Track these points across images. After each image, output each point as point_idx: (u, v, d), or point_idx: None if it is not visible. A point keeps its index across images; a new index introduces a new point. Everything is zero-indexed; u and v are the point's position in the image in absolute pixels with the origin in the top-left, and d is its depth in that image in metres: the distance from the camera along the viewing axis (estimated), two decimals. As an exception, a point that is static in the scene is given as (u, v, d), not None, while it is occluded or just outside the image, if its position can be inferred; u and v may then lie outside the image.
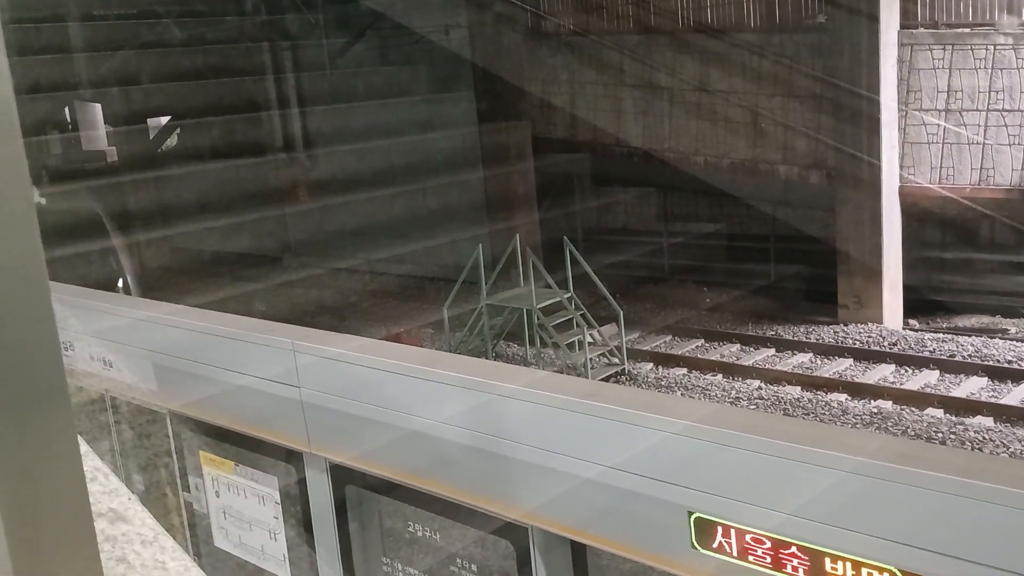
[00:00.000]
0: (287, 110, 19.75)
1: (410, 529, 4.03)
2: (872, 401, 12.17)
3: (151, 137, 20.39)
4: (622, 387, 3.38)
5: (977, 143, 15.36)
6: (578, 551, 3.25)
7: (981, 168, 15.44)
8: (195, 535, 4.78)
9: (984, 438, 10.63)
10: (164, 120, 20.38)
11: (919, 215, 15.81)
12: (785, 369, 13.55)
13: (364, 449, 3.74)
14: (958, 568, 2.25)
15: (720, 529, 2.68)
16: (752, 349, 14.55)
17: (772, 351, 14.40)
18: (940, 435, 10.80)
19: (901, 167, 15.35)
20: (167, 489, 4.84)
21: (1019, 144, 15.17)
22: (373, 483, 3.78)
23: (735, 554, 2.65)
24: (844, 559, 2.45)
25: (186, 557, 1.32)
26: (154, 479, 4.96)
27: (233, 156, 18.42)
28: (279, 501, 4.37)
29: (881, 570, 2.39)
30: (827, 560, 2.49)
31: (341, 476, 3.91)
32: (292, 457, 4.10)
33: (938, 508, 2.27)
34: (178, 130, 20.78)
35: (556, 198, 19.19)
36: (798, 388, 12.90)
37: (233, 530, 4.57)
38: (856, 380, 12.87)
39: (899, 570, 2.35)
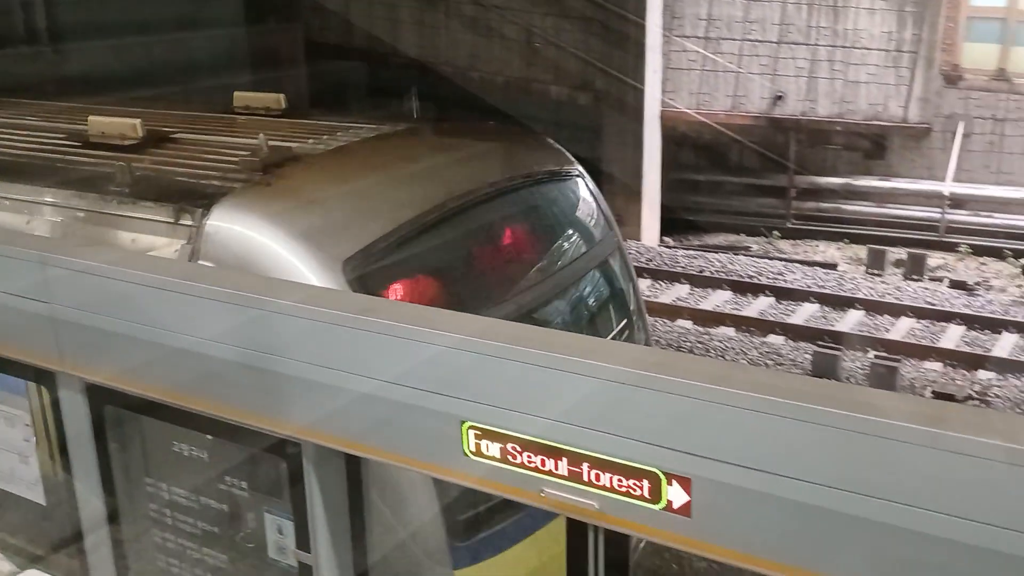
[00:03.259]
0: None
1: (175, 449, 3.91)
2: (630, 313, 12.91)
3: None
4: (398, 302, 3.39)
5: (732, 71, 16.37)
6: (352, 463, 3.29)
7: (734, 95, 16.49)
8: None
9: (726, 347, 11.62)
10: None
11: (677, 139, 16.74)
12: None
13: (123, 367, 3.57)
14: (714, 468, 2.47)
15: (491, 436, 2.79)
16: (522, 264, 14.95)
17: (540, 266, 14.87)
18: (688, 344, 11.70)
19: (663, 92, 16.12)
20: None
21: (768, 74, 16.30)
22: (134, 403, 3.63)
23: (505, 459, 2.78)
24: (606, 461, 2.63)
25: None
26: None
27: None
28: (30, 423, 4.10)
29: (642, 471, 2.58)
30: (590, 462, 2.66)
31: (99, 396, 3.72)
32: (43, 376, 3.85)
33: (691, 412, 2.48)
34: None
35: (330, 107, 18.64)
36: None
37: (-23, 455, 4.25)
38: (616, 294, 13.57)
39: (660, 470, 2.55)
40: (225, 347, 3.25)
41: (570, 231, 5.34)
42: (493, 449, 2.79)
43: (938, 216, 15.49)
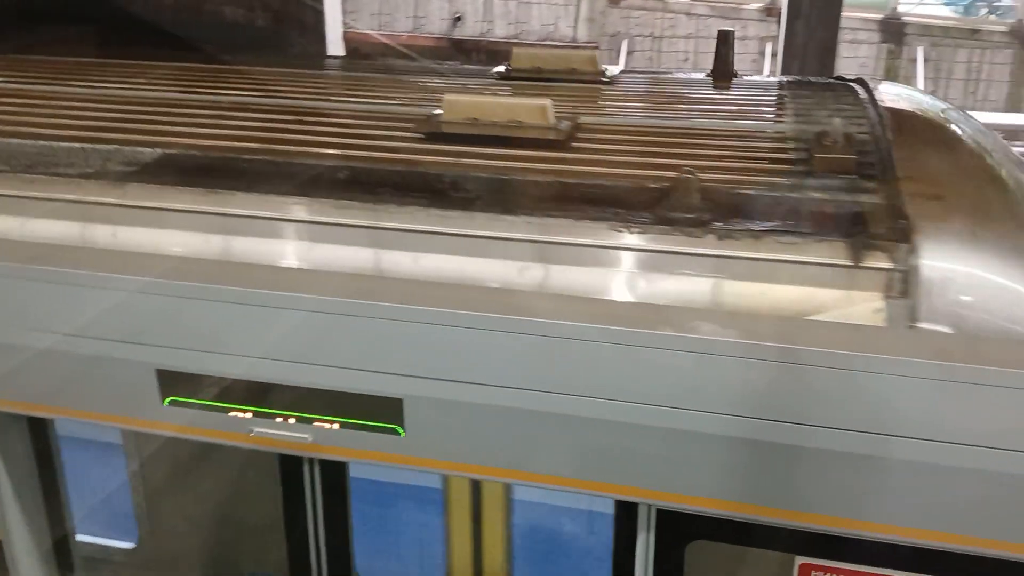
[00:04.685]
0: None
1: None
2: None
3: None
4: (73, 247, 3.05)
5: (410, -8, 16.35)
6: (37, 426, 3.04)
7: (415, 17, 16.53)
8: None
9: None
10: None
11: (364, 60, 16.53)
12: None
13: None
14: (421, 386, 2.53)
15: (191, 381, 2.68)
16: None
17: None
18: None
19: (344, 13, 15.78)
20: None
21: (446, -5, 16.46)
22: None
23: (209, 401, 2.69)
24: (316, 391, 2.62)
25: None
26: None
27: None
28: None
29: (352, 397, 2.60)
30: (319, 392, 2.62)
31: None
32: None
33: (392, 333, 2.51)
34: None
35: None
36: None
37: None
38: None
39: (370, 395, 2.58)
40: None
41: None
42: (196, 392, 2.69)
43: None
